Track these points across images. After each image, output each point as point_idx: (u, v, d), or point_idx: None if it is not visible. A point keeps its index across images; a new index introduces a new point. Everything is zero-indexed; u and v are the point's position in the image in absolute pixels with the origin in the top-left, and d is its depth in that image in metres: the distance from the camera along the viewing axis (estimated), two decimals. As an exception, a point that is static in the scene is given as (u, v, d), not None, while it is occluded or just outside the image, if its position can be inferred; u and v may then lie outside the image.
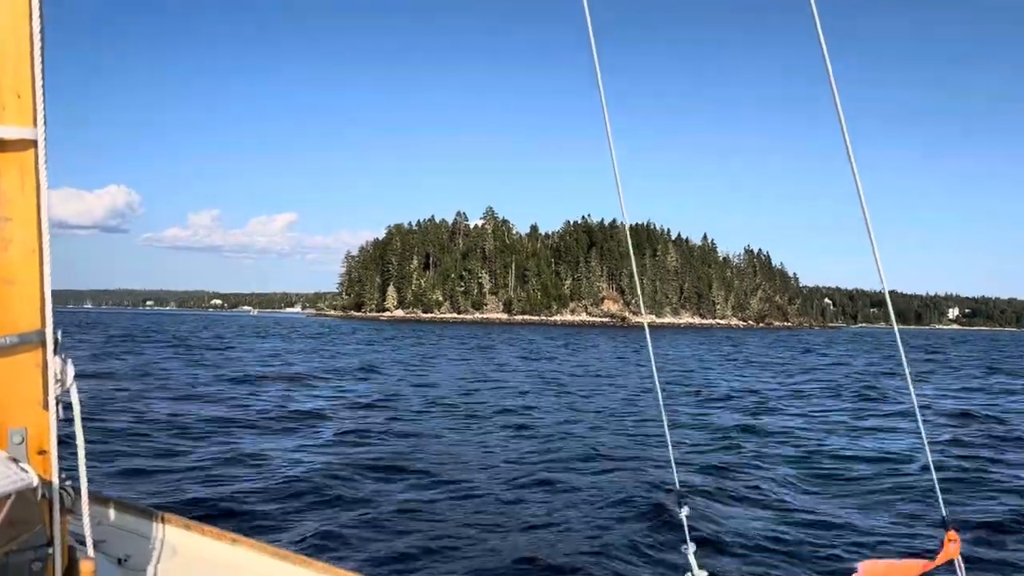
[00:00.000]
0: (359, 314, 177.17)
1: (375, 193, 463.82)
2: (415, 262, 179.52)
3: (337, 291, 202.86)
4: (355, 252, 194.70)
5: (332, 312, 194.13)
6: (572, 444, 11.59)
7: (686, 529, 2.51)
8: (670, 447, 2.68)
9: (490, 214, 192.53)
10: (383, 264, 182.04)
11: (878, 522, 7.56)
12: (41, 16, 1.59)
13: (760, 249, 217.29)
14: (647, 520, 7.22)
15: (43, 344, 1.60)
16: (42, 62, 1.59)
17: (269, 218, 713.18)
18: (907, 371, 2.43)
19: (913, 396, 2.46)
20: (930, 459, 2.34)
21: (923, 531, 7.23)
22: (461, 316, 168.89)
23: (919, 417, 2.40)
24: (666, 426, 2.78)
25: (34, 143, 1.58)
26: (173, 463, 9.35)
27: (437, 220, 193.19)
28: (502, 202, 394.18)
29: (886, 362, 41.06)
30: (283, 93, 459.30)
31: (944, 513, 2.27)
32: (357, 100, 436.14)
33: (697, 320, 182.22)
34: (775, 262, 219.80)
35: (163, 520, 2.26)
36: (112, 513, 2.28)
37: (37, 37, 1.58)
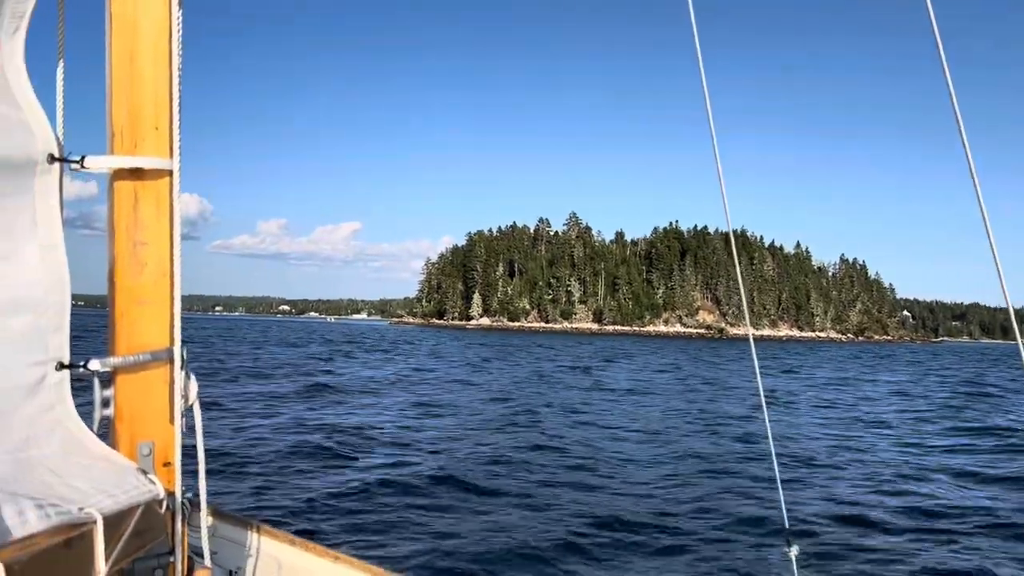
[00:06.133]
0: (441, 322, 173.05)
1: (437, 202, 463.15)
2: (500, 269, 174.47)
3: (415, 297, 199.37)
4: (421, 260, 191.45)
5: (411, 319, 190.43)
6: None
7: (795, 572, 2.38)
8: (778, 478, 2.57)
9: (574, 220, 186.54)
10: (465, 271, 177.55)
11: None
12: (180, 55, 1.69)
13: (856, 258, 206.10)
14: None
15: (171, 361, 1.68)
16: (179, 98, 1.69)
17: (335, 226, 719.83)
18: None
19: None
20: None
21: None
22: (550, 325, 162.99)
23: None
24: (773, 454, 2.61)
25: (170, 172, 1.68)
26: None
27: (517, 226, 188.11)
28: (578, 208, 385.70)
29: None
30: (350, 105, 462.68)
31: None
32: (422, 109, 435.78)
33: (796, 332, 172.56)
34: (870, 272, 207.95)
35: (269, 534, 2.31)
36: (222, 525, 2.32)
37: (176, 74, 1.68)
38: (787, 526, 2.56)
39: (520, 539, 6.65)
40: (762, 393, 2.59)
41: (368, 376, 25.72)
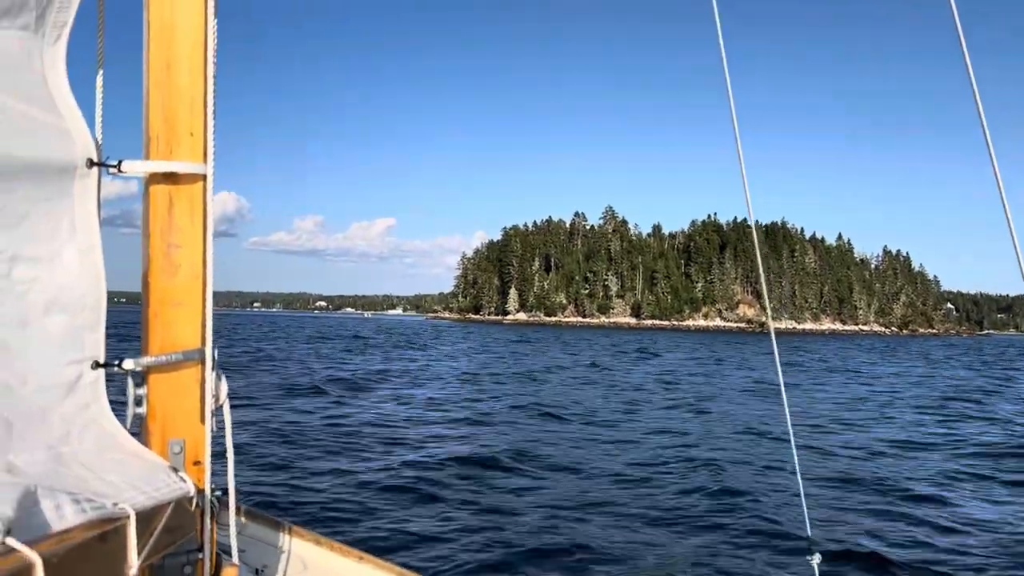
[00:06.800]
0: (478, 317, 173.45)
1: (469, 199, 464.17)
2: (536, 264, 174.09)
3: (451, 293, 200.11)
4: (454, 256, 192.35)
5: (448, 314, 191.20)
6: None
7: None
8: (801, 484, 2.51)
9: (610, 213, 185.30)
10: (501, 266, 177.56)
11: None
12: (215, 61, 1.73)
13: (899, 250, 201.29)
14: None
15: (203, 361, 1.72)
16: (214, 104, 1.73)
17: (370, 223, 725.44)
18: None
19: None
20: None
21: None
22: (586, 320, 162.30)
23: None
24: (795, 458, 2.55)
25: (203, 177, 1.72)
26: None
27: (552, 221, 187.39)
28: (614, 203, 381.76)
29: None
30: (383, 104, 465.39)
31: None
32: (454, 109, 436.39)
33: (839, 326, 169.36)
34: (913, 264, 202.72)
35: (296, 534, 2.35)
36: (250, 524, 2.36)
37: (211, 81, 1.72)
38: (809, 534, 2.51)
39: (530, 541, 6.58)
40: (784, 393, 2.49)
41: (398, 369, 25.95)
